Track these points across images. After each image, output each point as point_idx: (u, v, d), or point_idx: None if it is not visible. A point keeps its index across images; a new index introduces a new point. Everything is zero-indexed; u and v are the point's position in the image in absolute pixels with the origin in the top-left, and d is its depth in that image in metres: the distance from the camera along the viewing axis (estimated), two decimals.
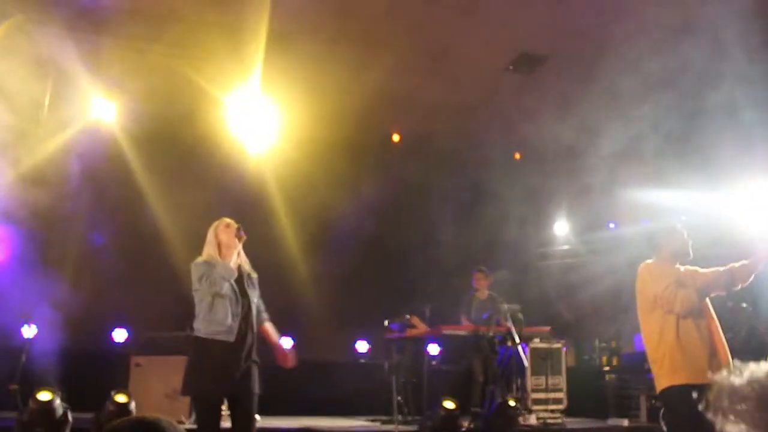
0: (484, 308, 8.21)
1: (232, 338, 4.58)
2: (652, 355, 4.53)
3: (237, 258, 4.82)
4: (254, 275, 4.97)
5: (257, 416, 7.57)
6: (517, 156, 11.73)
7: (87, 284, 8.12)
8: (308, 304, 9.34)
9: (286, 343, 5.15)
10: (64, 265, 7.84)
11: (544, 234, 12.13)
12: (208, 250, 4.85)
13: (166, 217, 8.80)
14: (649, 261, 4.72)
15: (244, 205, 9.09)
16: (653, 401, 7.29)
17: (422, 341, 8.57)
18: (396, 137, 11.12)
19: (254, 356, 4.73)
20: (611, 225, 11.67)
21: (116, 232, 9.05)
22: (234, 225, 4.92)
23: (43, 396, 5.73)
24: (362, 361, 10.37)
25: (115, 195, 9.04)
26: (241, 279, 4.83)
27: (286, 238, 9.47)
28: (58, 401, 5.83)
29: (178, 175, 8.82)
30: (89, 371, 7.95)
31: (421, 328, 8.32)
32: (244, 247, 4.95)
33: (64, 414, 5.85)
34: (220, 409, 4.73)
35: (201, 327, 4.67)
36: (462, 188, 10.74)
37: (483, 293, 8.52)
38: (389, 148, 10.82)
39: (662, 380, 4.43)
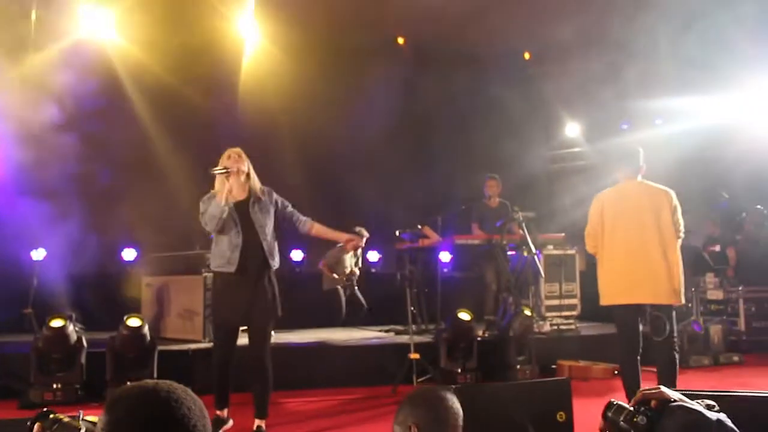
0: (496, 216, 8.06)
1: (232, 269, 4.65)
2: (678, 274, 4.88)
3: (232, 186, 4.69)
4: (266, 198, 4.83)
5: (272, 332, 7.66)
6: (527, 56, 11.33)
7: (93, 205, 7.98)
8: (316, 217, 9.22)
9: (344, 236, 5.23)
10: (68, 186, 7.65)
11: (554, 137, 11.86)
12: (216, 182, 4.71)
13: (169, 132, 8.55)
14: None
15: (245, 120, 8.87)
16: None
17: (434, 251, 8.49)
18: (401, 40, 10.73)
19: (264, 281, 4.72)
20: (624, 126, 11.38)
21: (119, 148, 8.81)
22: (234, 152, 4.74)
23: (56, 323, 5.73)
24: (374, 271, 10.37)
25: (117, 110, 8.74)
26: (244, 207, 4.74)
27: (292, 152, 9.26)
28: (71, 327, 5.83)
29: (176, 90, 8.50)
30: (101, 292, 7.97)
31: (433, 237, 8.22)
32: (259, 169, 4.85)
33: (79, 339, 5.86)
34: (235, 333, 4.89)
35: (211, 260, 4.85)
36: (470, 92, 10.38)
37: (494, 201, 8.35)
38: (394, 52, 10.44)
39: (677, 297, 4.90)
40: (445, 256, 9.31)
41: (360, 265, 9.29)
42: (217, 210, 4.59)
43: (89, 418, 1.78)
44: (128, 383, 1.45)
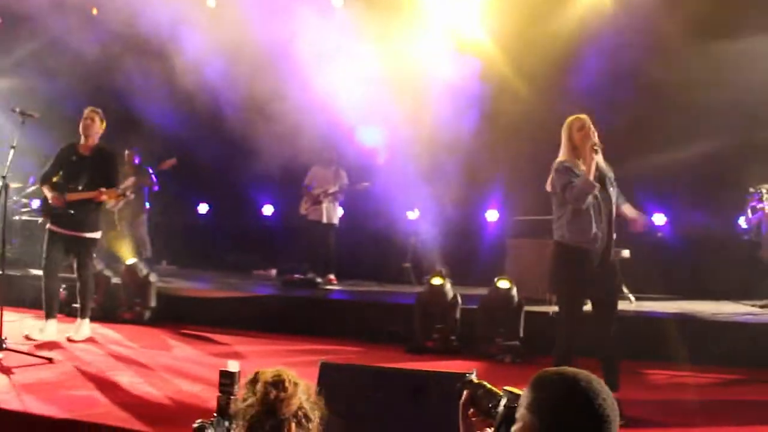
0: None
1: (595, 246, 4.54)
2: None
3: (596, 163, 4.50)
4: (611, 174, 4.71)
5: (632, 298, 7.59)
6: None
7: (461, 170, 8.46)
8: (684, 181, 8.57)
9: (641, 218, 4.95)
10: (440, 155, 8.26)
11: None
12: (565, 152, 4.63)
13: (528, 104, 8.63)
14: None
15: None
16: None
17: None
18: None
19: (612, 255, 4.68)
20: None
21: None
22: (587, 124, 4.58)
23: (436, 281, 6.52)
24: (746, 237, 9.44)
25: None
26: (603, 182, 4.60)
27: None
28: (448, 285, 6.54)
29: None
30: (467, 250, 8.64)
31: None
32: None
33: (454, 296, 6.55)
34: (582, 304, 4.78)
35: (565, 234, 4.63)
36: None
37: None
38: None
39: None
40: None
41: None
42: (589, 188, 4.46)
43: (509, 388, 2.02)
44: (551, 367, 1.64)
